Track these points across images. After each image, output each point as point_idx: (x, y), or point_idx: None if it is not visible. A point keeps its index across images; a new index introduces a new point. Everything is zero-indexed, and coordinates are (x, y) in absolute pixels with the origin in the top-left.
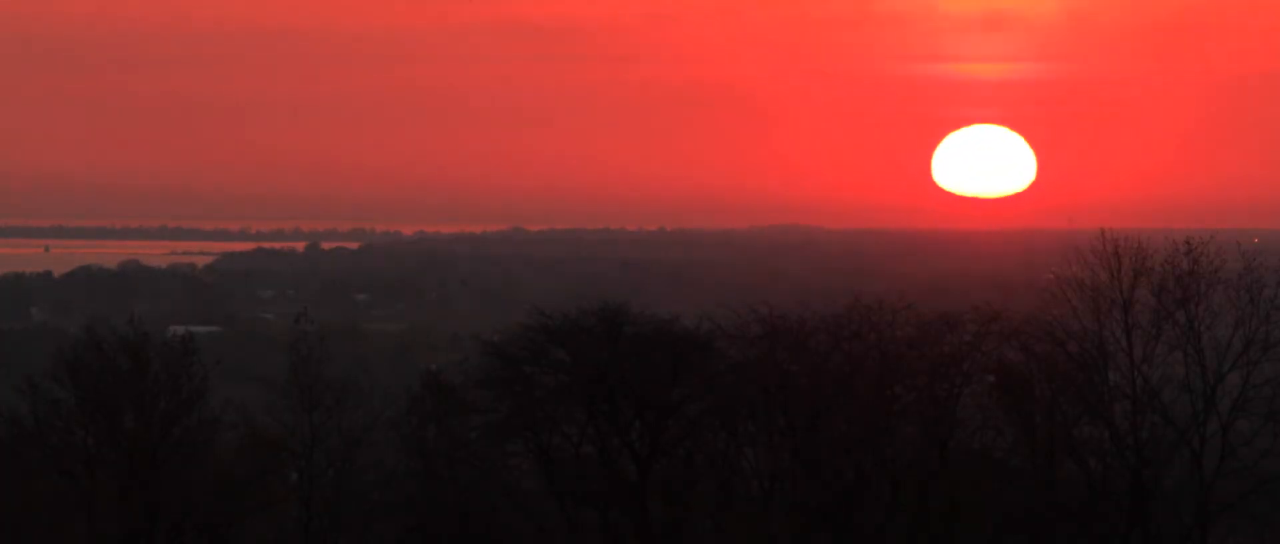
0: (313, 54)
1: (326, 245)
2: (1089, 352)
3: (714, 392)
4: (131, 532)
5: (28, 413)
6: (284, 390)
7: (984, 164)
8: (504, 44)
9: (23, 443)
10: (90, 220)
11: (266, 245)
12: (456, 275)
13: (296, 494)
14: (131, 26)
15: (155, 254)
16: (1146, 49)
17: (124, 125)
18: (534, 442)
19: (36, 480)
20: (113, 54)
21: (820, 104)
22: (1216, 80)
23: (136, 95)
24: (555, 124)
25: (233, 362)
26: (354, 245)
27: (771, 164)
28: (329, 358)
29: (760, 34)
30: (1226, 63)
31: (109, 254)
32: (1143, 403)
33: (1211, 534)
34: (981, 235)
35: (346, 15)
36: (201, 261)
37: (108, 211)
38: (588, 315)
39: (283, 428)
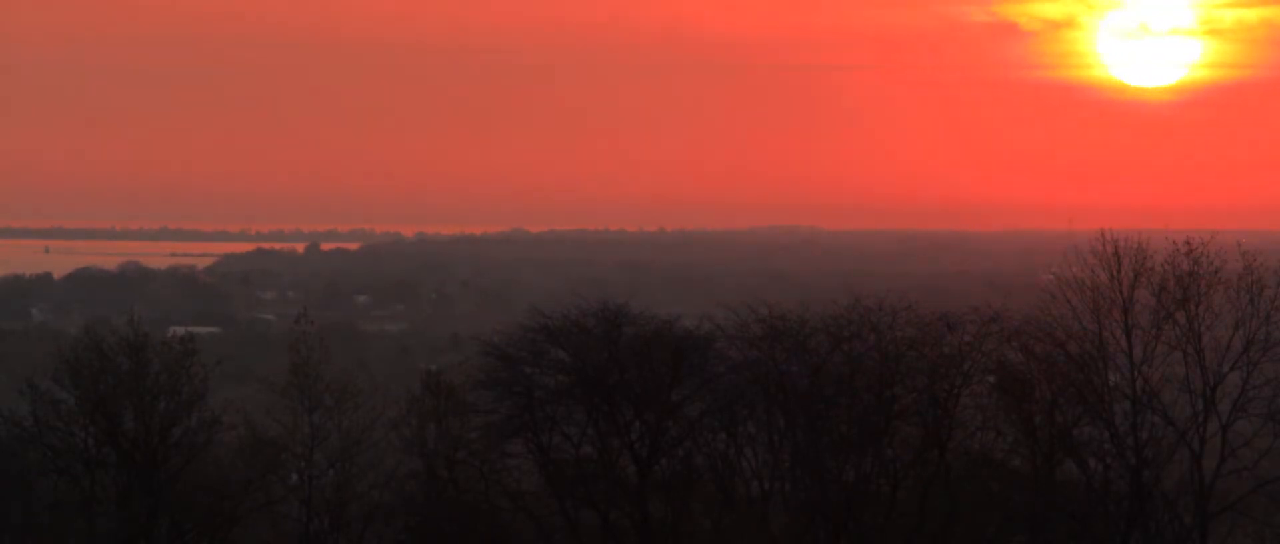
0: (312, 56)
1: (326, 246)
2: (1089, 352)
3: (714, 392)
4: (131, 532)
5: (28, 413)
6: (284, 390)
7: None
8: (504, 47)
9: (23, 443)
10: (90, 221)
11: (266, 246)
12: (456, 276)
13: (296, 494)
14: (131, 29)
15: (155, 255)
16: None
17: (125, 126)
18: (534, 442)
19: (36, 480)
20: (113, 55)
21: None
22: None
23: (137, 97)
24: (555, 125)
25: (233, 362)
26: (354, 246)
27: (773, 164)
28: (329, 358)
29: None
30: None
31: (109, 255)
32: (1143, 403)
33: (1211, 534)
34: (981, 236)
35: (346, 19)
36: (201, 262)
37: (108, 212)
38: (588, 316)
39: (283, 428)
